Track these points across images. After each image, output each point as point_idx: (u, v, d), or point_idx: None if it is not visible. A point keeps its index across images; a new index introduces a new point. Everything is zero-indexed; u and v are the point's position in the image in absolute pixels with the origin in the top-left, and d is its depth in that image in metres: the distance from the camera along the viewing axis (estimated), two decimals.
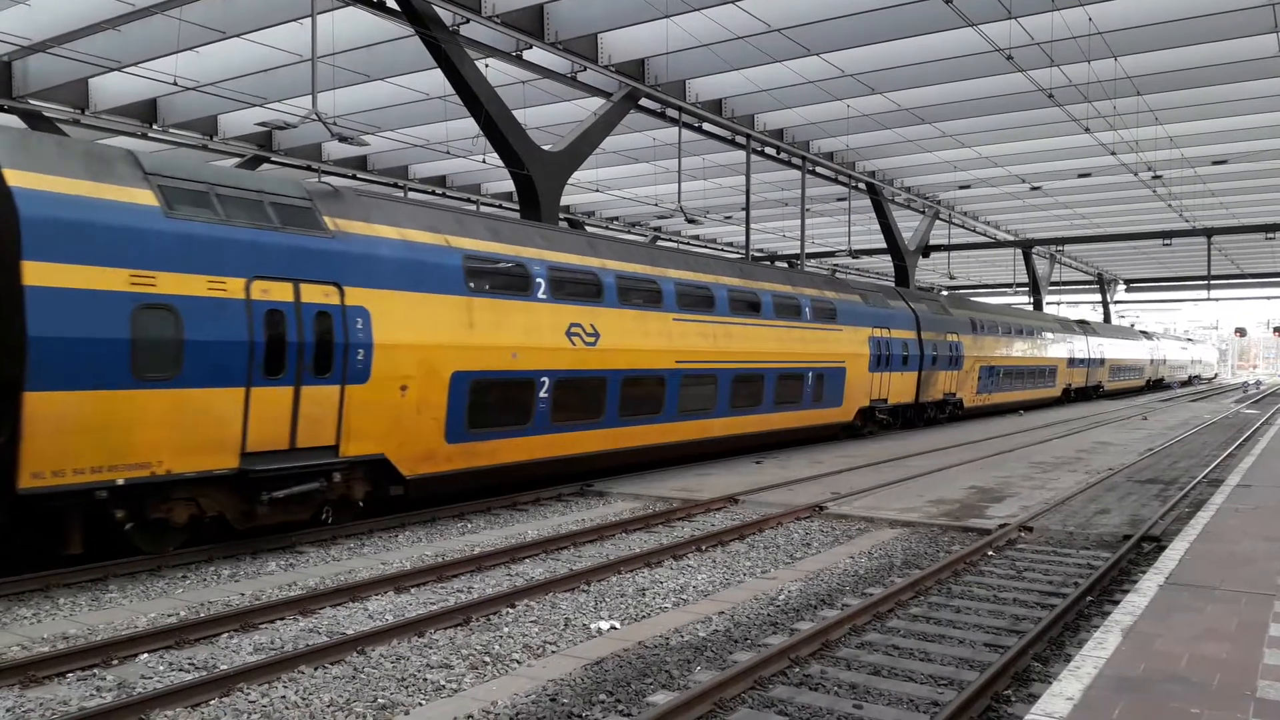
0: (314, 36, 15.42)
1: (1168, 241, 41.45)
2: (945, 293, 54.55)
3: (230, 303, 10.47)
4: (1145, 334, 66.45)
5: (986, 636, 8.13)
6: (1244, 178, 34.20)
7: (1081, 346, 45.61)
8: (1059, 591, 9.62)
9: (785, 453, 21.86)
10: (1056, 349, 41.83)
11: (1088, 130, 25.21)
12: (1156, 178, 31.34)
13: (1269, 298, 78.05)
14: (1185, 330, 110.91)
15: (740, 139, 26.58)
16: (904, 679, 7.08)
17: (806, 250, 34.04)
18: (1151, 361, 63.80)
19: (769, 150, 28.25)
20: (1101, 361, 49.56)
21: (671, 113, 23.70)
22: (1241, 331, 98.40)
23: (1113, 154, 28.37)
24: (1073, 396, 46.13)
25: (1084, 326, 47.77)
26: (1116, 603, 8.35)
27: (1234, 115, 26.00)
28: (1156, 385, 66.82)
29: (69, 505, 9.64)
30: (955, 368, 30.61)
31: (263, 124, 16.75)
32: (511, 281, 14.43)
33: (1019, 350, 36.87)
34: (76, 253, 9.36)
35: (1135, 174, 31.24)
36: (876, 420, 26.36)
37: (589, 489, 16.13)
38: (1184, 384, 79.16)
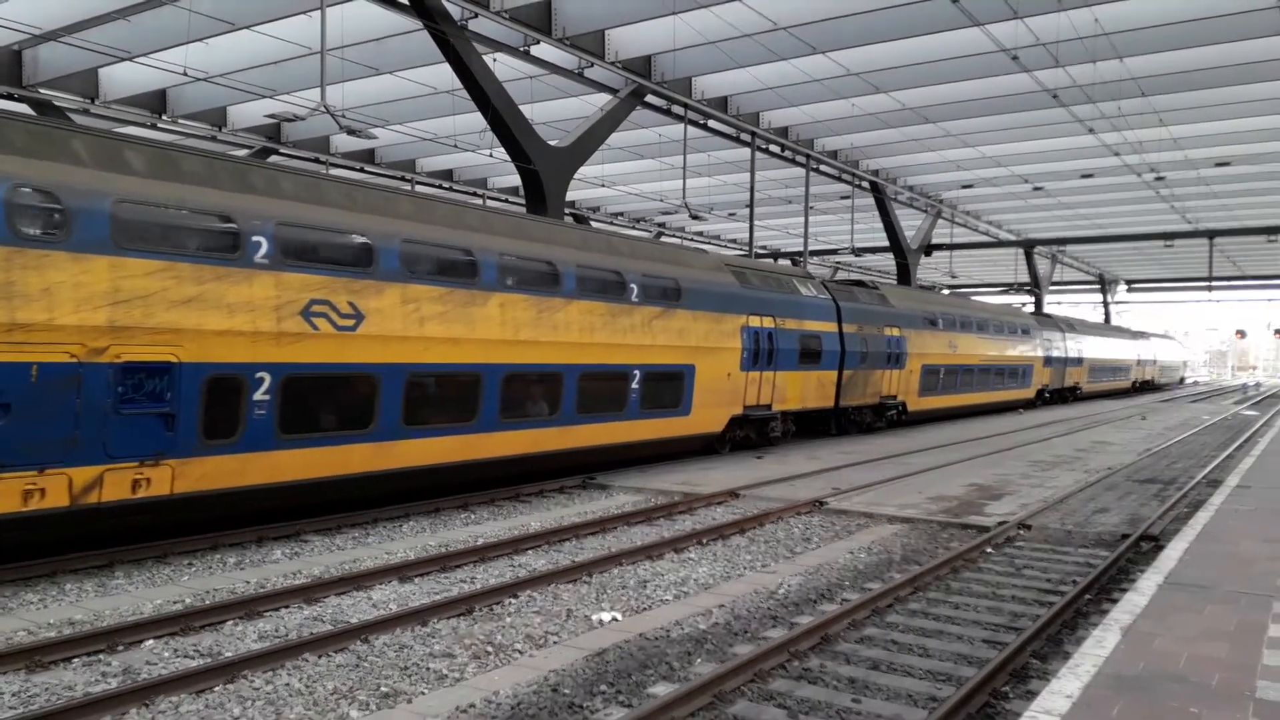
0: (323, 29, 15.47)
1: (1169, 243, 41.46)
2: (946, 291, 53.89)
3: None
4: (1051, 318, 44.60)
5: (985, 633, 8.19)
6: (1246, 180, 34.21)
7: (769, 330, 20.41)
8: (1058, 589, 9.67)
9: (785, 448, 21.90)
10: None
11: (1091, 131, 25.23)
12: (1159, 179, 31.37)
13: (1270, 300, 77.75)
14: (1186, 332, 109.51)
15: (745, 136, 26.60)
16: (902, 674, 7.14)
17: (810, 248, 34.06)
18: (1047, 360, 41.22)
19: (773, 148, 28.27)
20: (898, 357, 26.34)
21: (677, 109, 23.73)
22: (1242, 334, 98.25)
23: (1116, 155, 28.38)
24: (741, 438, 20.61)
25: (865, 291, 26.23)
26: (1115, 601, 8.40)
27: (1238, 117, 26.01)
28: (1064, 397, 45.26)
29: None
30: None
31: (272, 116, 16.81)
32: None
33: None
34: None
35: (1138, 175, 31.27)
36: None
37: (591, 482, 16.21)
38: (1127, 393, 56.82)
